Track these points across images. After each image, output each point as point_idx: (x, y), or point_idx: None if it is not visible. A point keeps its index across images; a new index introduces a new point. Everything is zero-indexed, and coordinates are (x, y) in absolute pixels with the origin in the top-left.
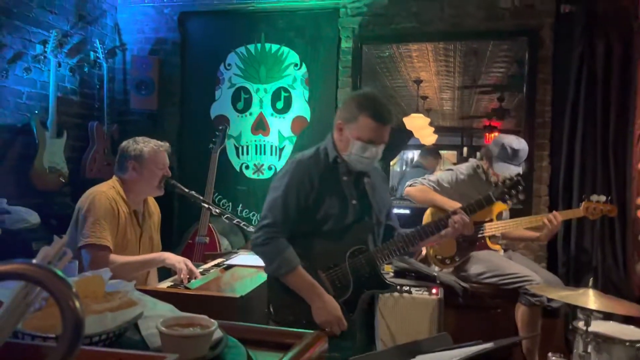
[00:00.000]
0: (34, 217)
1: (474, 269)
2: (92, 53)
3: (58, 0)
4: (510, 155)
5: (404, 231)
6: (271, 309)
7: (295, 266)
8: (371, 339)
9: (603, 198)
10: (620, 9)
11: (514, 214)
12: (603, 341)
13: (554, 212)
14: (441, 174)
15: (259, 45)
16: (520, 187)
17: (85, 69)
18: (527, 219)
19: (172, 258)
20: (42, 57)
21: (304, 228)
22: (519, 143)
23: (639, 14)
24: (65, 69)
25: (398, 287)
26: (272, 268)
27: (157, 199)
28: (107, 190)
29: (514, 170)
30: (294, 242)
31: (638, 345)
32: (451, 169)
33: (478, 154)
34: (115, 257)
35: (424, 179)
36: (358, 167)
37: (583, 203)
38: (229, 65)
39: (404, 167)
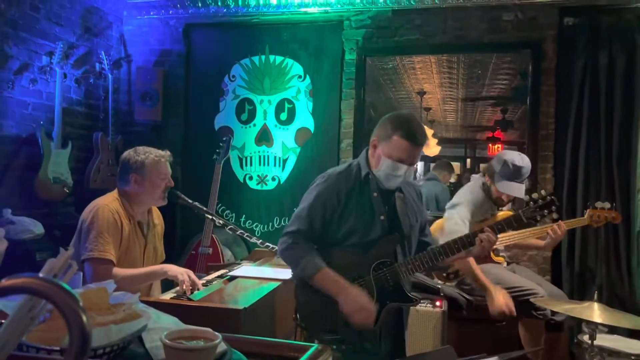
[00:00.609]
0: (38, 228)
1: None
2: (97, 64)
3: (64, 13)
4: (512, 173)
5: (433, 247)
6: (297, 315)
7: (321, 267)
8: (400, 352)
9: (607, 205)
10: (623, 21)
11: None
12: (608, 355)
13: (559, 221)
14: (459, 212)
15: (263, 57)
16: (554, 207)
17: (91, 80)
18: (531, 230)
19: (174, 270)
20: (48, 69)
21: (331, 239)
22: (521, 160)
23: None
24: (70, 80)
25: (419, 300)
26: (298, 270)
27: (160, 209)
28: (110, 203)
29: (516, 188)
30: (321, 253)
31: None
32: (461, 202)
33: (482, 166)
34: (117, 271)
35: (458, 215)
36: (386, 184)
37: (587, 210)
38: (233, 76)
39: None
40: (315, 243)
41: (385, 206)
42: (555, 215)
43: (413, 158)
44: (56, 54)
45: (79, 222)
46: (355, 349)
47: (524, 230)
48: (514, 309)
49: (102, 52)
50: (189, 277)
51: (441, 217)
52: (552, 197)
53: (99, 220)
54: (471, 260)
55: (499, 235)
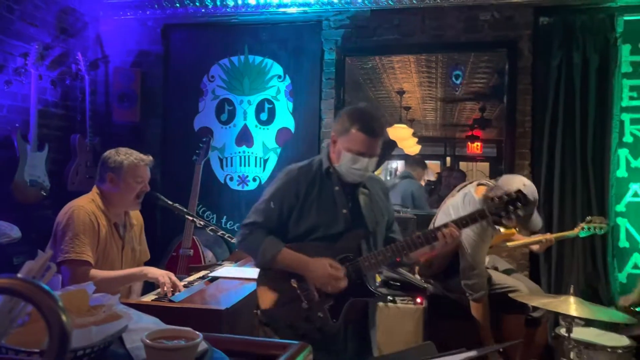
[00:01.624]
0: (15, 232)
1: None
2: (73, 65)
3: (39, 13)
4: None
5: (396, 242)
6: (259, 311)
7: (281, 248)
8: (368, 349)
9: (603, 219)
10: (597, 21)
11: None
12: (585, 347)
13: (550, 236)
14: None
15: (242, 57)
16: (520, 204)
17: (67, 82)
18: (521, 242)
19: (154, 272)
20: (23, 70)
21: (293, 234)
22: (527, 190)
23: (615, 26)
24: (46, 81)
25: (384, 296)
26: (259, 258)
27: (140, 211)
28: (86, 204)
29: (537, 220)
30: None
31: (619, 351)
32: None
33: (480, 195)
34: (95, 272)
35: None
36: (348, 178)
37: (582, 224)
38: (213, 77)
39: (388, 177)
40: (274, 235)
41: (348, 201)
42: (521, 212)
43: (373, 150)
44: (31, 55)
45: (54, 224)
46: (318, 346)
47: (514, 243)
48: None
49: (79, 53)
50: (170, 279)
51: (419, 214)
52: (519, 194)
53: (75, 222)
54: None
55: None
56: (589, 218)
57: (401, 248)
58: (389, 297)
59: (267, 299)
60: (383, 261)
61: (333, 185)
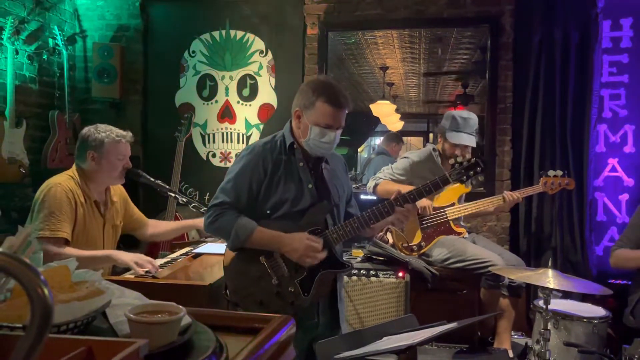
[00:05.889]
0: None
1: (439, 255)
2: (50, 40)
3: None
4: (461, 124)
5: (362, 213)
6: (227, 292)
7: (254, 228)
8: (336, 323)
9: (560, 172)
10: None
11: (478, 197)
12: (562, 318)
13: (507, 192)
14: (395, 164)
15: (223, 32)
16: (479, 169)
17: (44, 57)
18: (488, 200)
19: (123, 257)
20: None
21: (260, 212)
22: (468, 113)
23: (596, 1)
24: (23, 56)
25: (353, 267)
26: (232, 240)
27: (122, 187)
28: (64, 182)
29: (466, 139)
30: None
31: (595, 321)
32: (406, 156)
33: (430, 135)
34: (65, 251)
35: (382, 172)
36: (317, 152)
37: (541, 178)
38: (194, 52)
39: (371, 154)
40: (243, 214)
41: (312, 176)
42: (480, 178)
43: (340, 122)
44: (6, 30)
45: (33, 201)
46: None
47: (481, 200)
48: None
49: (56, 27)
50: (140, 260)
51: None
52: (477, 159)
53: (51, 199)
54: None
55: (458, 207)
56: (548, 172)
57: (367, 218)
58: (371, 272)
59: (235, 278)
60: (351, 232)
61: (297, 161)
